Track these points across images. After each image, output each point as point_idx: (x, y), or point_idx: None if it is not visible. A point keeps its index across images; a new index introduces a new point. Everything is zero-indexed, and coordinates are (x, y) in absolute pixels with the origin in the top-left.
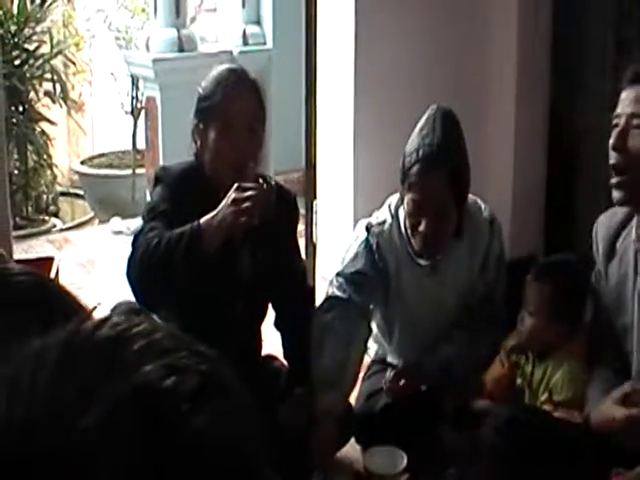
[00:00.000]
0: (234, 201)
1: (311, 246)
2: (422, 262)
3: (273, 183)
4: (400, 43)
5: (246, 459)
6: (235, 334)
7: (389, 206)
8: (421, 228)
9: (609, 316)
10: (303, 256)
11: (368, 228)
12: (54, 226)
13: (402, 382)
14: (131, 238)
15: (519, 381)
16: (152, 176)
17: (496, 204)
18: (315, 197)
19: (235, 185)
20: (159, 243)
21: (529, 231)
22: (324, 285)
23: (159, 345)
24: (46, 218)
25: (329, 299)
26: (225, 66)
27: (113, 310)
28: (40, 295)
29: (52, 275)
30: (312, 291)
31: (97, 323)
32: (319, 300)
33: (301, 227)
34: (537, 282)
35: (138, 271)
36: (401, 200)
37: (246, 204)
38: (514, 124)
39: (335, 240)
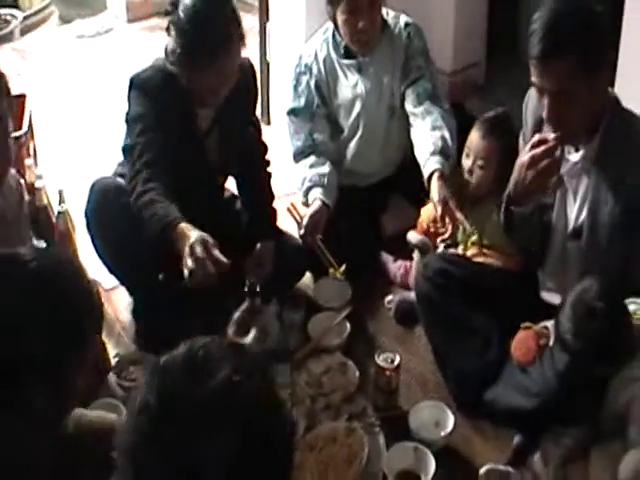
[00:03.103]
0: (196, 260)
1: (265, 64)
2: (349, 62)
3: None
4: None
5: None
6: (217, 209)
7: (317, 37)
8: (360, 25)
9: None
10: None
11: (307, 66)
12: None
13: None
14: (94, 41)
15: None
16: None
17: (439, 12)
18: (268, 19)
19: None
20: (143, 205)
21: (472, 39)
22: (277, 102)
23: None
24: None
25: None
26: None
27: (93, 186)
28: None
29: (25, 114)
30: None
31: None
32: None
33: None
34: (488, 139)
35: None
36: (333, 21)
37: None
38: None
39: (287, 60)
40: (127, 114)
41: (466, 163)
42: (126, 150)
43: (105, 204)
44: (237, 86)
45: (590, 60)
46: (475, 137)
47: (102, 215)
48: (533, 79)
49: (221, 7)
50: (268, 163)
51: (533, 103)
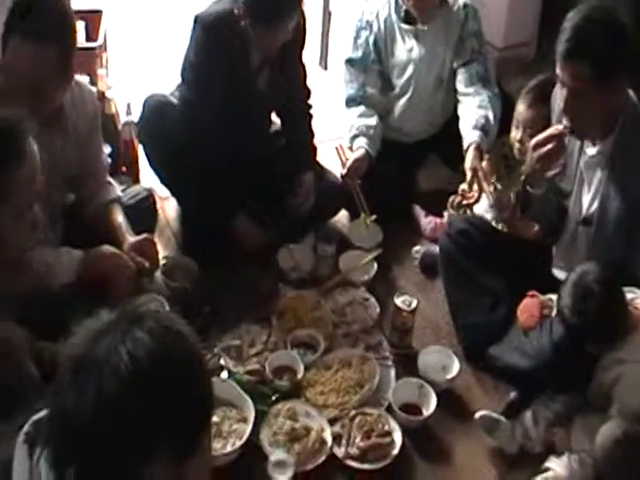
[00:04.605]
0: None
1: (327, 14)
2: (408, 27)
3: None
4: None
5: None
6: (264, 139)
7: None
8: None
9: None
10: (320, 23)
11: (368, 22)
12: None
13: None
14: None
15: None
16: None
17: None
18: None
19: None
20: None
21: (525, 18)
22: (336, 50)
23: None
24: None
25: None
26: None
27: (145, 102)
28: None
29: (101, 28)
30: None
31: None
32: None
33: None
34: (534, 108)
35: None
36: None
37: None
38: None
39: (348, 10)
40: (188, 49)
41: (516, 134)
42: (183, 101)
43: (155, 120)
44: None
45: (605, 68)
46: (521, 108)
47: (152, 130)
48: (557, 71)
49: None
50: (310, 106)
51: (557, 102)
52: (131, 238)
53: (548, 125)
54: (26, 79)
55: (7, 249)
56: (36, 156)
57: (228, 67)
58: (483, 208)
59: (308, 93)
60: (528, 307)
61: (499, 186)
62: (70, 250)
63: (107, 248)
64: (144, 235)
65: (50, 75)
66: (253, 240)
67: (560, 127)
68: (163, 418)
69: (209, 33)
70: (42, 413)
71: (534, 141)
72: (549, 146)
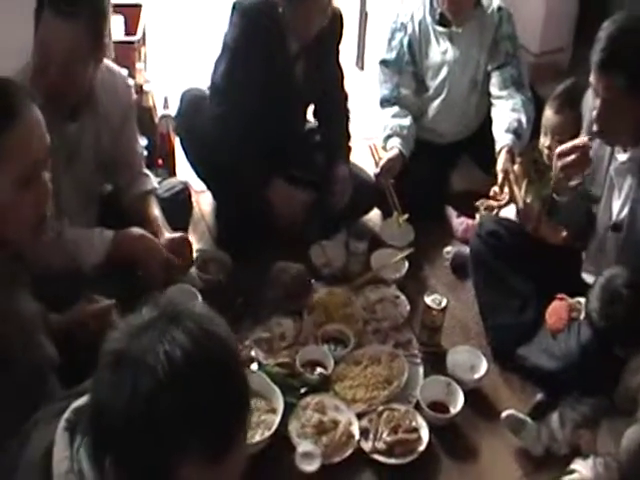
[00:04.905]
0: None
1: (363, 14)
2: (443, 30)
3: None
4: None
5: None
6: (298, 133)
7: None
8: None
9: None
10: (356, 24)
11: (403, 24)
12: None
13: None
14: None
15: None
16: None
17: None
18: None
19: None
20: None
21: (561, 24)
22: (372, 51)
23: None
24: None
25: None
26: None
27: (182, 96)
28: None
29: (140, 22)
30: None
31: None
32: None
33: None
34: (561, 114)
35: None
36: None
37: None
38: None
39: (385, 11)
40: (225, 36)
41: (544, 140)
42: (215, 85)
43: (191, 114)
44: (325, 27)
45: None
46: (549, 114)
47: (188, 124)
48: (591, 80)
49: None
50: (348, 109)
51: (588, 106)
52: (167, 233)
53: (577, 130)
54: (58, 56)
55: (11, 224)
56: (35, 120)
57: (266, 53)
58: (512, 212)
59: (346, 96)
60: (557, 310)
61: (529, 195)
62: (103, 230)
63: (137, 230)
64: (180, 233)
65: (81, 52)
66: (290, 205)
67: (586, 139)
68: (197, 418)
69: (247, 18)
70: (82, 400)
71: (558, 150)
72: (573, 156)
